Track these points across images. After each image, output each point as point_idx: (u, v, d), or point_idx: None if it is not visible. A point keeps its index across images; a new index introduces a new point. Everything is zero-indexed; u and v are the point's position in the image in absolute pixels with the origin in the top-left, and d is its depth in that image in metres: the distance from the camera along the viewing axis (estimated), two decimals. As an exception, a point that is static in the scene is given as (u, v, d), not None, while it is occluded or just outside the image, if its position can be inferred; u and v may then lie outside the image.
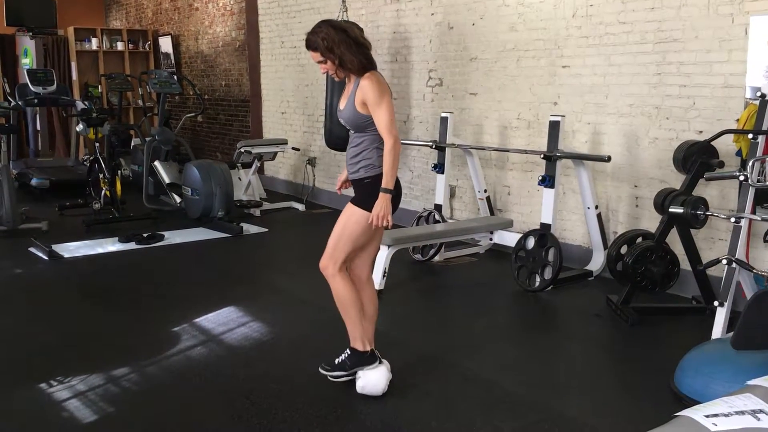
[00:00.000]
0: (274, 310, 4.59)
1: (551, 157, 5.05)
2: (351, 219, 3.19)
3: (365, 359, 3.27)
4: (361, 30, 3.26)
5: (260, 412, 3.15)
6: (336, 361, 3.31)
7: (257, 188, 8.23)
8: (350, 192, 3.32)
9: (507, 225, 5.65)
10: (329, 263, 3.22)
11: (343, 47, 3.06)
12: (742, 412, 1.57)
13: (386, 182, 3.10)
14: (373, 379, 3.25)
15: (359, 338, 3.27)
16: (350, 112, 3.15)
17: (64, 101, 9.13)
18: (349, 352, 3.30)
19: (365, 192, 3.16)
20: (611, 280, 4.74)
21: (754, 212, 3.89)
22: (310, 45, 3.14)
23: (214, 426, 3.07)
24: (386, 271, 4.83)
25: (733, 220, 3.80)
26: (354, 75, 3.16)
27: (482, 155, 6.10)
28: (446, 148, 5.91)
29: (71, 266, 5.63)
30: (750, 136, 3.89)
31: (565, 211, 5.57)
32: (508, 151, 5.83)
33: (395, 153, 3.09)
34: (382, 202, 3.10)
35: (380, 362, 3.31)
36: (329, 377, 3.33)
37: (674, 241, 4.35)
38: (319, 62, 3.16)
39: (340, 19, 3.11)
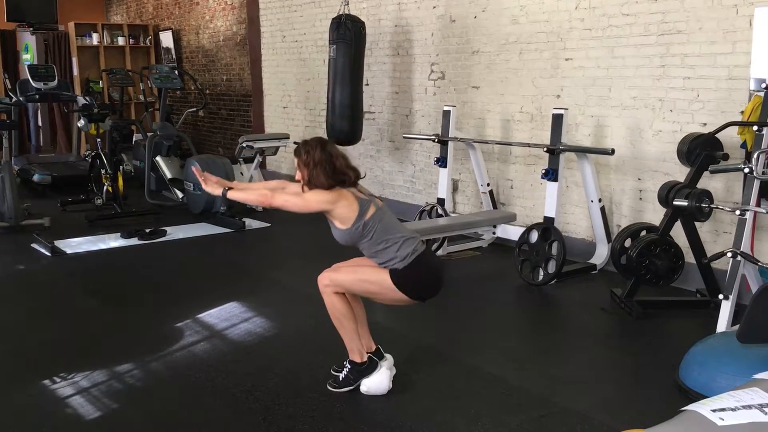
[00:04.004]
0: (277, 305, 4.59)
1: (554, 151, 5.03)
2: (380, 282, 3.11)
3: (365, 369, 3.25)
4: (347, 160, 3.21)
5: (264, 407, 3.14)
6: (340, 378, 3.29)
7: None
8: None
9: (510, 219, 5.64)
10: (330, 283, 3.15)
11: (318, 169, 3.08)
12: (749, 406, 1.56)
13: (232, 191, 3.27)
14: (375, 383, 3.24)
15: (357, 351, 3.24)
16: (335, 232, 3.18)
17: (65, 97, 9.12)
18: (349, 366, 3.28)
19: (401, 275, 3.10)
20: (615, 273, 4.73)
21: (759, 205, 3.86)
22: (296, 151, 3.19)
23: (218, 421, 3.06)
24: (389, 265, 4.82)
25: (737, 212, 3.78)
26: None
27: (485, 149, 6.08)
28: (449, 142, 5.90)
29: (73, 262, 5.62)
30: (755, 128, 3.86)
31: (569, 205, 5.55)
32: (511, 144, 5.81)
33: (264, 201, 3.20)
34: (217, 189, 3.26)
35: (382, 359, 3.30)
36: (337, 392, 3.29)
37: (678, 234, 4.33)
38: (297, 167, 3.19)
39: (330, 144, 3.20)
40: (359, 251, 3.25)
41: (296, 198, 3.17)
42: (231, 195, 3.28)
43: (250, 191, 3.40)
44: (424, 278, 3.18)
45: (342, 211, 3.08)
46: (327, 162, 3.10)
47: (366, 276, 3.16)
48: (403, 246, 3.10)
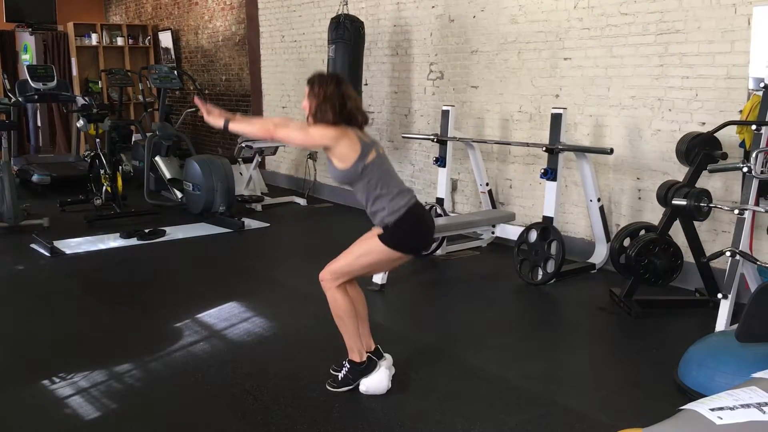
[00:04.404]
0: (276, 305, 4.59)
1: (553, 150, 5.03)
2: (373, 249, 3.11)
3: (364, 369, 3.25)
4: (358, 103, 3.18)
5: (263, 407, 3.14)
6: (339, 377, 3.29)
7: (258, 183, 8.22)
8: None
9: (509, 218, 5.64)
10: (330, 277, 3.15)
11: (327, 104, 3.04)
12: (748, 405, 1.55)
13: (234, 122, 3.21)
14: (374, 383, 3.25)
15: (356, 350, 3.24)
16: (332, 170, 3.16)
17: (64, 97, 9.12)
18: (348, 366, 3.28)
19: (391, 233, 3.10)
20: (614, 272, 4.73)
21: (757, 204, 3.87)
22: (309, 80, 3.15)
23: (217, 422, 3.06)
24: (388, 265, 4.82)
25: (736, 211, 3.78)
26: None
27: (484, 148, 6.08)
28: (448, 142, 5.90)
29: (73, 262, 5.62)
30: (753, 127, 3.87)
31: (568, 204, 5.55)
32: (509, 144, 5.81)
33: (265, 134, 3.16)
34: (219, 120, 3.21)
35: (381, 358, 3.30)
36: (337, 392, 3.30)
37: (677, 233, 4.33)
38: (305, 96, 3.16)
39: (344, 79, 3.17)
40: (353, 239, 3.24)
41: (299, 132, 3.14)
42: (232, 127, 3.21)
43: (252, 124, 3.32)
44: (414, 230, 3.15)
45: (343, 150, 3.04)
46: (338, 99, 3.04)
47: (359, 251, 3.15)
48: (396, 198, 3.08)
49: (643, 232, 4.50)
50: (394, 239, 3.09)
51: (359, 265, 3.17)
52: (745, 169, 3.71)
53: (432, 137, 5.96)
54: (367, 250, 3.13)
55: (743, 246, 3.79)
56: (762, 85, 3.88)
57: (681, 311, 4.34)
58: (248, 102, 9.62)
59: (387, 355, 3.34)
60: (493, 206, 5.97)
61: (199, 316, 4.38)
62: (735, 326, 3.11)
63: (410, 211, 3.10)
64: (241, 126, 3.27)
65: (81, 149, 9.96)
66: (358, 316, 3.24)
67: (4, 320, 4.39)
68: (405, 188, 3.17)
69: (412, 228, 3.13)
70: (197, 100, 3.37)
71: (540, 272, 4.93)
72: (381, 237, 3.10)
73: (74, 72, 11.19)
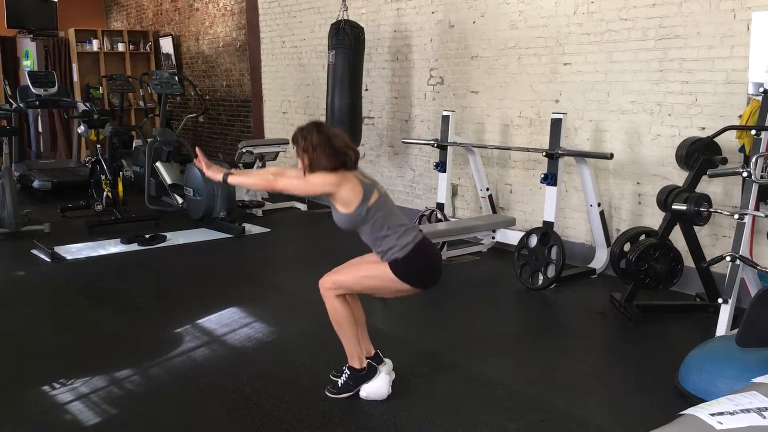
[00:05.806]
0: (277, 311, 4.59)
1: (553, 155, 5.03)
2: (383, 276, 3.10)
3: (365, 375, 3.25)
4: (345, 139, 3.16)
5: (263, 413, 3.14)
6: (339, 384, 3.28)
7: (259, 188, 8.21)
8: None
9: (509, 223, 5.65)
10: (331, 287, 3.14)
11: (318, 151, 3.04)
12: (748, 410, 1.56)
13: (232, 176, 3.23)
14: (374, 388, 3.24)
15: (356, 356, 3.24)
16: (335, 215, 3.15)
17: (65, 103, 9.13)
18: (348, 372, 3.27)
19: (401, 266, 3.09)
20: (614, 277, 4.73)
21: (757, 209, 3.87)
22: (293, 139, 3.19)
23: (217, 427, 3.06)
24: (389, 270, 4.82)
25: (736, 216, 3.78)
26: None
27: (484, 153, 6.09)
28: (448, 147, 5.91)
29: (73, 268, 5.62)
30: (753, 132, 3.87)
31: (568, 209, 5.55)
32: (510, 149, 5.81)
33: (266, 185, 3.20)
34: (218, 173, 3.21)
35: (381, 363, 3.30)
36: (337, 398, 3.29)
37: (678, 238, 4.34)
38: (296, 155, 3.17)
39: (330, 128, 3.19)
40: (358, 252, 3.24)
41: (299, 181, 3.15)
42: (232, 180, 3.24)
43: (251, 176, 3.40)
44: (425, 265, 3.16)
45: (346, 194, 3.05)
46: (326, 143, 3.05)
47: (366, 272, 3.15)
48: (404, 235, 3.09)
49: (643, 236, 4.50)
50: (404, 272, 3.09)
51: (363, 285, 3.17)
52: (744, 174, 3.71)
53: (432, 142, 5.97)
54: (376, 274, 3.12)
55: (743, 251, 3.78)
56: (761, 89, 3.88)
57: (681, 316, 4.35)
58: (249, 108, 9.63)
59: (387, 360, 3.34)
60: (494, 211, 5.98)
61: (200, 321, 4.38)
62: (735, 331, 3.10)
63: (419, 246, 3.10)
64: (241, 179, 3.33)
65: (82, 155, 9.98)
66: (357, 322, 3.24)
67: (5, 325, 4.38)
68: (410, 225, 3.18)
69: (423, 264, 3.14)
70: (198, 151, 3.40)
71: (540, 277, 4.93)
72: (392, 267, 3.09)
73: (75, 78, 11.22)
